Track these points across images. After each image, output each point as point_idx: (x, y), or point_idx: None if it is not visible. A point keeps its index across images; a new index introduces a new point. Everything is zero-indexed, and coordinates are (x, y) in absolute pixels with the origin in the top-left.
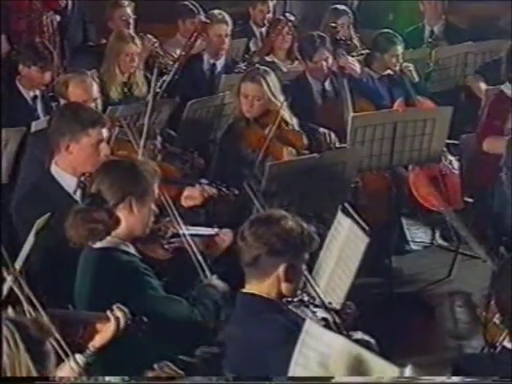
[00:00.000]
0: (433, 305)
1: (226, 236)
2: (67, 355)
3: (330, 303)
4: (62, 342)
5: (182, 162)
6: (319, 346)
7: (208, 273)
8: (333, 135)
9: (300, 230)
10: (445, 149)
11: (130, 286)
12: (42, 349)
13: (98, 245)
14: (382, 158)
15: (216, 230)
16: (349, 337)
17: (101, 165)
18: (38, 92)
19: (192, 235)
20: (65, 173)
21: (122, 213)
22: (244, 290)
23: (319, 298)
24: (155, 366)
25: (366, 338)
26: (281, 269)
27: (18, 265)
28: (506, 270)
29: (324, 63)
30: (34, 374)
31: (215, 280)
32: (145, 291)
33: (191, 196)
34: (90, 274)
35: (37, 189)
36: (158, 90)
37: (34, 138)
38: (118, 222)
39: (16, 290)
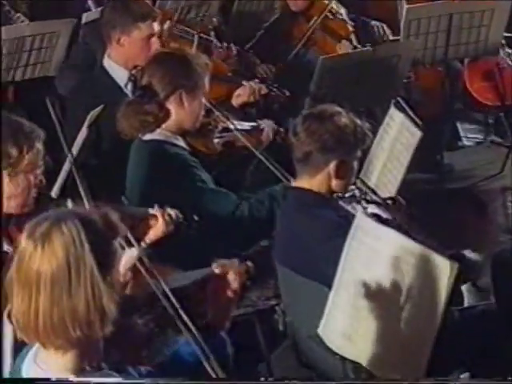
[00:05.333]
0: (485, 200)
1: (270, 127)
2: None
3: (383, 199)
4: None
5: (235, 60)
6: (370, 240)
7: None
8: (386, 28)
9: (353, 127)
10: (503, 41)
11: (179, 178)
12: (109, 249)
13: (148, 137)
14: (436, 51)
15: (260, 122)
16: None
17: (152, 57)
18: None
19: (240, 130)
20: (117, 65)
21: (172, 106)
22: (294, 184)
23: (374, 193)
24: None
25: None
26: (332, 165)
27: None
28: None
29: None
30: (98, 277)
31: None
32: (194, 183)
33: (242, 94)
34: (140, 165)
35: (90, 81)
36: None
37: (86, 28)
38: (168, 114)
39: (77, 180)
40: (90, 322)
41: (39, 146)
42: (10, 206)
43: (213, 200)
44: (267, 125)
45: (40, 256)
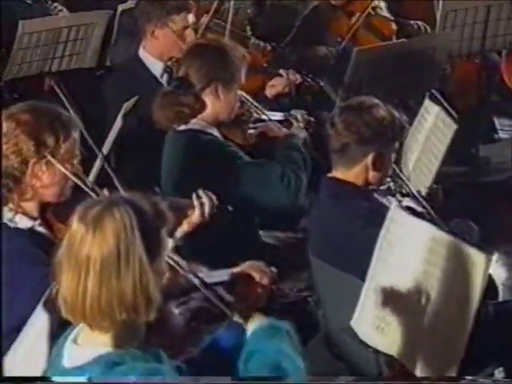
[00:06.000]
0: None
1: (301, 117)
2: None
3: (418, 192)
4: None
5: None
6: (403, 233)
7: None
8: (421, 24)
9: (391, 119)
10: None
11: (218, 162)
12: (158, 238)
13: (183, 127)
14: (473, 42)
15: (293, 112)
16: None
17: (189, 48)
18: None
19: (274, 120)
20: (152, 57)
21: (208, 97)
22: (330, 175)
23: (407, 186)
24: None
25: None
26: (369, 157)
27: (107, 147)
28: None
29: None
30: (146, 264)
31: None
32: (234, 162)
33: (276, 85)
34: (175, 155)
35: (126, 71)
36: None
37: (123, 16)
38: (203, 106)
39: (109, 171)
40: (135, 307)
41: (76, 135)
42: (47, 195)
43: (257, 173)
44: (299, 114)
45: (91, 241)
